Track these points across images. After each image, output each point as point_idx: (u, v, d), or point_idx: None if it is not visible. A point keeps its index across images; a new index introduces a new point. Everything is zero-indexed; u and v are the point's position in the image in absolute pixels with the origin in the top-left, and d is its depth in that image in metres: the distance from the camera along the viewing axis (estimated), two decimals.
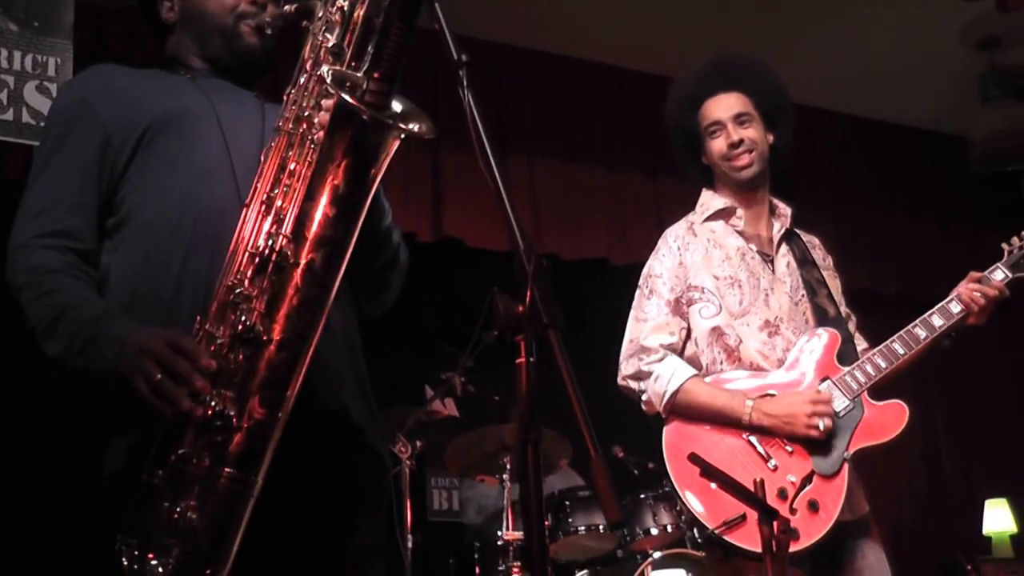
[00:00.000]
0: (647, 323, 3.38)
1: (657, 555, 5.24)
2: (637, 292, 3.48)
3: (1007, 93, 6.91)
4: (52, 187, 2.30)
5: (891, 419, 3.25)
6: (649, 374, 3.32)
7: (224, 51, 2.48)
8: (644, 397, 3.36)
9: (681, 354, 3.37)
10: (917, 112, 7.48)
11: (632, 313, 3.46)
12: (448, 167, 6.00)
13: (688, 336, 3.39)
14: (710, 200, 3.54)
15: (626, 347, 3.42)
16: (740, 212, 3.47)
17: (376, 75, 2.12)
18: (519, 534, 5.39)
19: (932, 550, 7.04)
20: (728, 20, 6.18)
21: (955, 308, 3.33)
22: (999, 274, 3.41)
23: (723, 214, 3.49)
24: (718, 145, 3.45)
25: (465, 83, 1.98)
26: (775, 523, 2.66)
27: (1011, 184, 7.40)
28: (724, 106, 3.46)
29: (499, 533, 5.48)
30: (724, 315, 3.33)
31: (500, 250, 6.11)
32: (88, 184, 2.30)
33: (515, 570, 5.22)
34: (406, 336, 6.03)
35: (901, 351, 3.29)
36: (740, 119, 3.44)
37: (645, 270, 3.50)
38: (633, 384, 3.38)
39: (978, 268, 3.44)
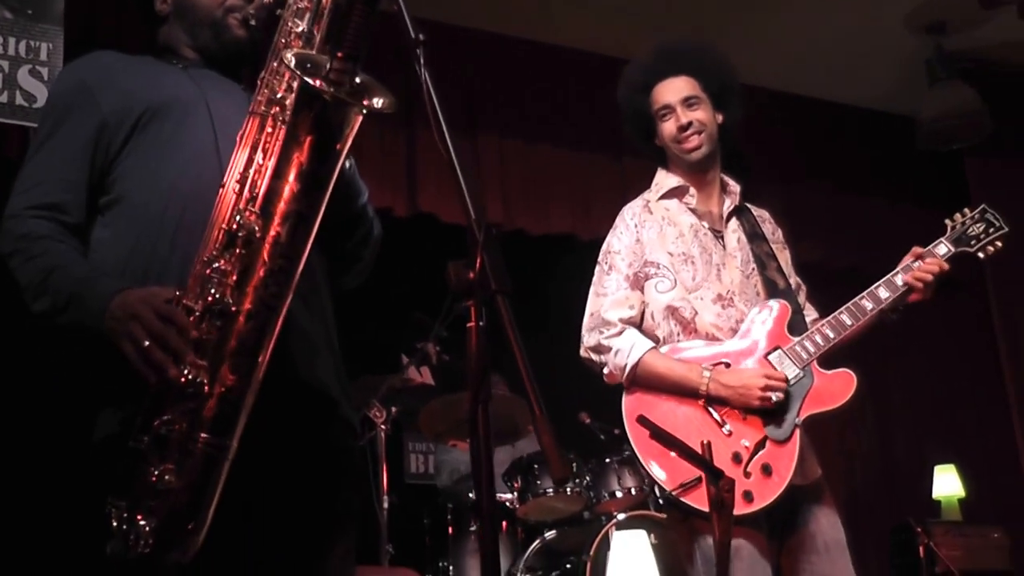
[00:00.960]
0: (607, 298, 3.42)
1: (621, 516, 5.34)
2: (597, 268, 3.52)
3: (953, 76, 6.94)
4: (47, 164, 2.34)
5: (840, 387, 3.28)
6: (609, 348, 3.36)
7: (213, 42, 2.52)
8: (605, 370, 3.39)
9: (640, 326, 3.41)
10: (867, 94, 7.52)
11: (592, 288, 3.50)
12: (423, 145, 6.00)
13: (645, 309, 3.42)
14: (664, 179, 3.58)
15: (587, 321, 3.46)
16: (692, 191, 3.51)
17: (340, 54, 2.16)
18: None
19: (885, 515, 7.10)
20: (683, 4, 6.19)
21: (900, 281, 3.36)
22: (942, 248, 3.44)
23: (676, 192, 3.53)
24: (668, 128, 3.49)
25: (422, 61, 2.03)
26: (721, 482, 2.69)
27: (955, 163, 7.43)
28: (673, 89, 3.50)
29: (471, 495, 5.51)
30: (679, 289, 3.36)
31: None
32: (82, 164, 2.34)
33: None
34: (384, 308, 6.06)
35: (848, 322, 3.33)
36: (688, 102, 3.47)
37: (604, 246, 3.54)
38: (595, 357, 3.42)
39: (923, 242, 3.46)
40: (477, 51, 6.45)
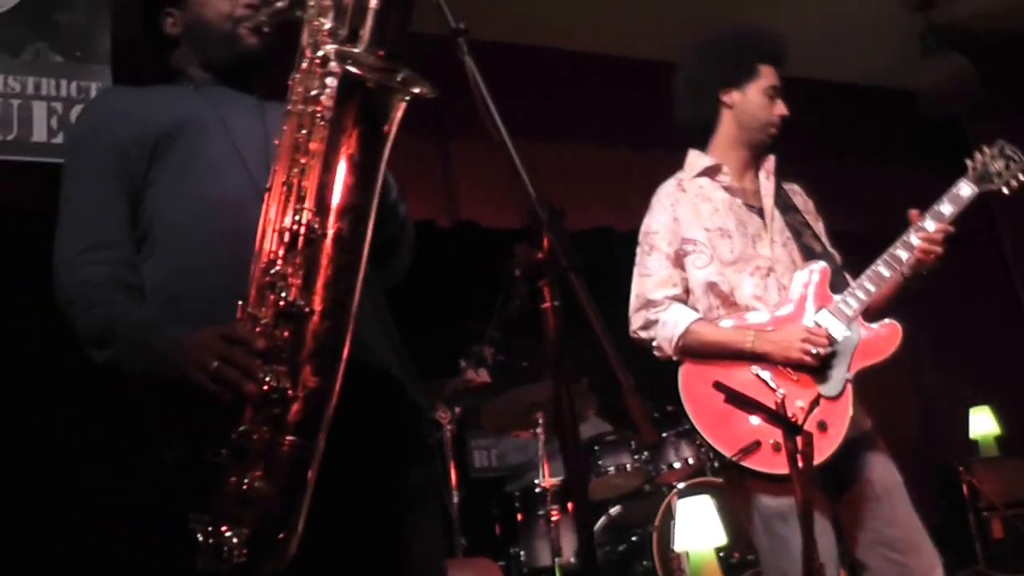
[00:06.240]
0: (651, 278, 3.24)
1: (681, 485, 5.19)
2: (638, 250, 3.33)
3: (945, 46, 6.79)
4: (83, 205, 2.14)
5: (887, 338, 3.11)
6: (656, 322, 3.19)
7: (227, 56, 2.30)
8: (655, 343, 3.20)
9: (685, 303, 3.23)
10: (868, 71, 7.31)
11: (636, 270, 3.31)
12: (458, 155, 5.81)
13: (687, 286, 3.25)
14: (697, 159, 3.39)
15: (633, 302, 3.27)
16: (726, 169, 3.33)
17: (381, 53, 1.96)
18: (555, 480, 5.26)
19: (925, 458, 6.89)
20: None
21: (914, 239, 3.14)
22: (966, 189, 3.23)
23: (709, 171, 3.34)
24: (778, 109, 3.33)
25: (465, 49, 1.86)
26: (799, 437, 2.46)
27: (957, 128, 7.23)
28: (775, 76, 3.36)
29: (536, 481, 5.38)
30: (716, 264, 3.18)
31: (512, 228, 5.93)
32: (116, 198, 2.15)
33: (553, 512, 5.07)
34: (439, 318, 5.90)
35: (886, 273, 3.14)
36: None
37: (643, 228, 3.34)
38: (643, 334, 3.23)
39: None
40: (500, 63, 6.20)
